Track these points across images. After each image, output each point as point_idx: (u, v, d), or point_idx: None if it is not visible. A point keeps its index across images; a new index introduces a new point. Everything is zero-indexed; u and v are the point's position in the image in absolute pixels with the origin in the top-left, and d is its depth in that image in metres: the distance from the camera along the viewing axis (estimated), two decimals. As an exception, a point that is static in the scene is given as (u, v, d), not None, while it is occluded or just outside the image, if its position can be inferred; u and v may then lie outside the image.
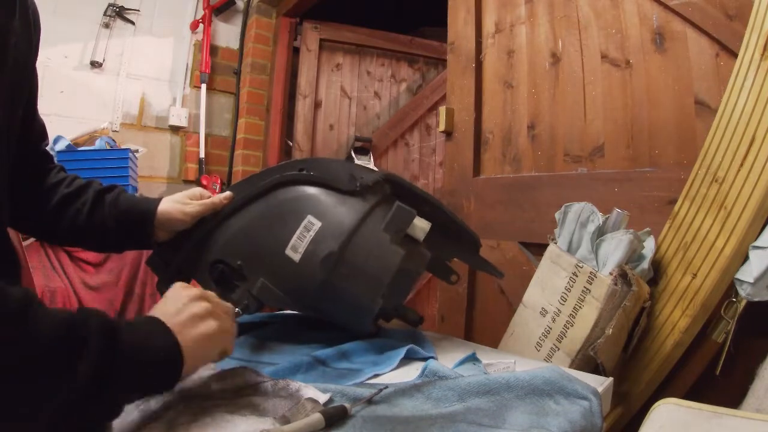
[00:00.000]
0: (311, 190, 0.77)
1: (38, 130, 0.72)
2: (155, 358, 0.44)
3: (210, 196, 0.80)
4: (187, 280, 0.83)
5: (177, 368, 0.46)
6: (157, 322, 0.46)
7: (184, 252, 0.79)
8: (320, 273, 0.71)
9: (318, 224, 0.73)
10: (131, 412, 0.49)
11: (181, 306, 0.50)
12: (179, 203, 0.77)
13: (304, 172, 0.78)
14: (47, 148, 0.77)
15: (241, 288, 0.76)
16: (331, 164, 0.80)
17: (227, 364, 0.64)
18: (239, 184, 0.82)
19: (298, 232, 0.73)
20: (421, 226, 0.77)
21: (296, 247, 0.72)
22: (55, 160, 0.80)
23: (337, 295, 0.73)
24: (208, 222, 0.79)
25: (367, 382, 0.63)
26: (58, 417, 0.38)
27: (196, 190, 0.81)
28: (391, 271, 0.71)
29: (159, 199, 0.78)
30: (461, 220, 0.89)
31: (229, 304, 0.56)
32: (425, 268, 0.82)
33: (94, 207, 0.74)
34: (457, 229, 0.88)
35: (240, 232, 0.77)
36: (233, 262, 0.76)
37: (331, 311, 0.78)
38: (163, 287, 0.81)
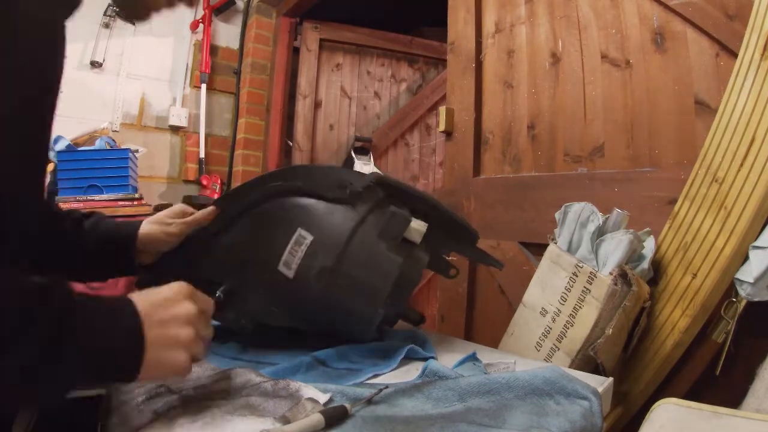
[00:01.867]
0: (299, 201, 0.73)
1: None
2: (112, 345, 0.43)
3: (193, 213, 0.77)
4: None
5: (135, 361, 0.44)
6: (130, 311, 0.45)
7: (172, 273, 0.76)
8: (316, 288, 0.69)
9: (309, 238, 0.70)
10: (132, 412, 0.49)
11: (167, 303, 0.48)
12: (161, 224, 0.74)
13: (290, 182, 0.75)
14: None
15: (234, 308, 0.73)
16: (318, 171, 0.77)
17: (227, 364, 0.64)
18: (224, 197, 0.79)
19: (289, 247, 0.70)
20: (417, 228, 0.74)
21: (289, 263, 0.70)
22: (56, 160, 0.79)
23: (337, 308, 0.71)
24: (195, 241, 0.75)
25: (367, 382, 0.63)
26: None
27: (178, 208, 0.78)
28: (389, 280, 0.69)
29: (140, 222, 0.75)
30: (458, 215, 0.87)
31: (210, 300, 0.54)
32: (422, 271, 0.81)
33: (74, 233, 0.71)
34: (454, 224, 0.85)
35: (229, 251, 0.74)
36: (225, 281, 0.73)
37: (331, 324, 0.75)
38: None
